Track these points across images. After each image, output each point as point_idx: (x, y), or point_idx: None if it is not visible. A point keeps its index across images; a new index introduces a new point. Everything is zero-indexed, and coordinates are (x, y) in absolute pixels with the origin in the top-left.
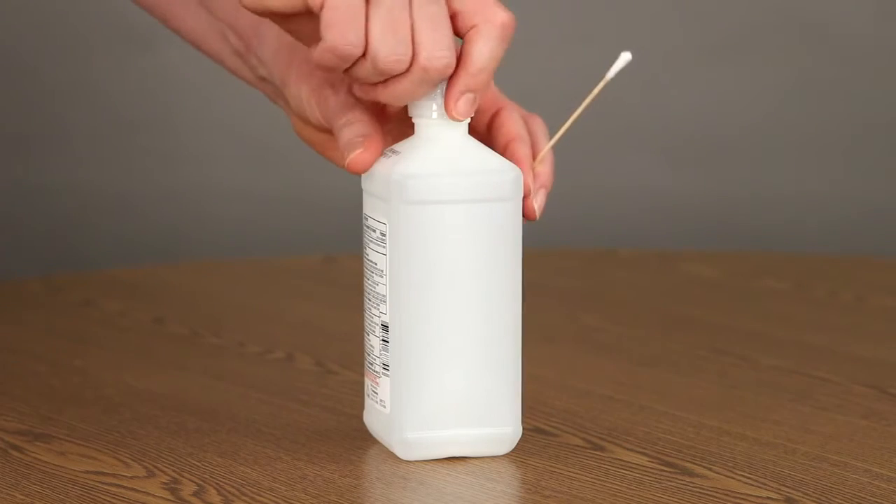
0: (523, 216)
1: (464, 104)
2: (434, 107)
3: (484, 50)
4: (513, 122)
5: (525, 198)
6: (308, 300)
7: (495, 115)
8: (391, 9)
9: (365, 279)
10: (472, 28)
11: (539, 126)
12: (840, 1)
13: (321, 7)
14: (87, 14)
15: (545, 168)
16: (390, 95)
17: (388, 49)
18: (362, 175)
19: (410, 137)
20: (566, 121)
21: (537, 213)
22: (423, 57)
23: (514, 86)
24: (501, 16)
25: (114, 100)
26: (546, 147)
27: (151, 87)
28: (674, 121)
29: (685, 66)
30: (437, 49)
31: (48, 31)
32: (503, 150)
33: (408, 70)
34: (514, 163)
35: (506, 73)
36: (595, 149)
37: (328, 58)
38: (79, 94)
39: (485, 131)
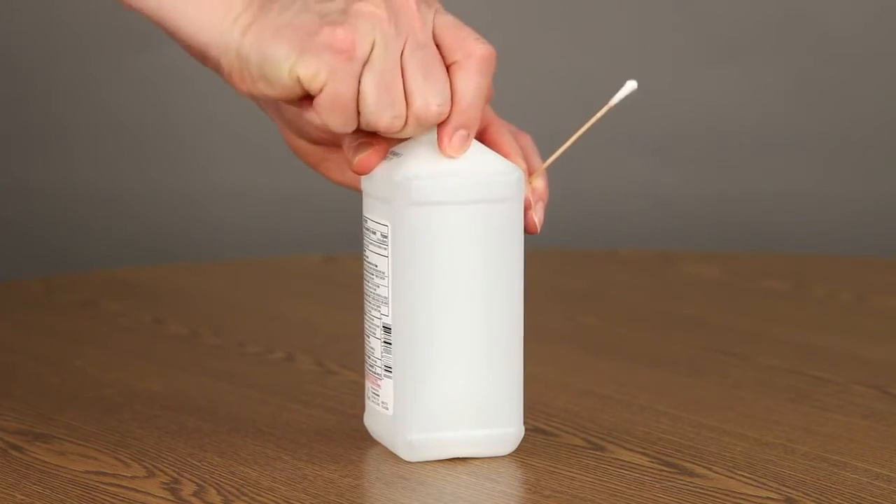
0: (525, 230)
1: (457, 140)
2: None
3: (469, 86)
4: (504, 138)
5: (525, 211)
6: (308, 300)
7: (484, 132)
8: (384, 71)
9: (365, 281)
10: (452, 64)
11: (529, 143)
12: (840, 1)
13: (319, 92)
14: (84, 14)
15: (541, 183)
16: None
17: (384, 113)
18: (363, 178)
19: (412, 139)
20: (567, 140)
21: (538, 227)
22: (417, 106)
23: (515, 86)
24: (481, 50)
25: (113, 100)
26: (544, 164)
27: (150, 87)
28: (674, 121)
29: (685, 67)
30: (430, 96)
31: (45, 32)
32: None
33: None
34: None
35: (507, 73)
36: (595, 149)
37: (324, 129)
38: (77, 94)
39: None
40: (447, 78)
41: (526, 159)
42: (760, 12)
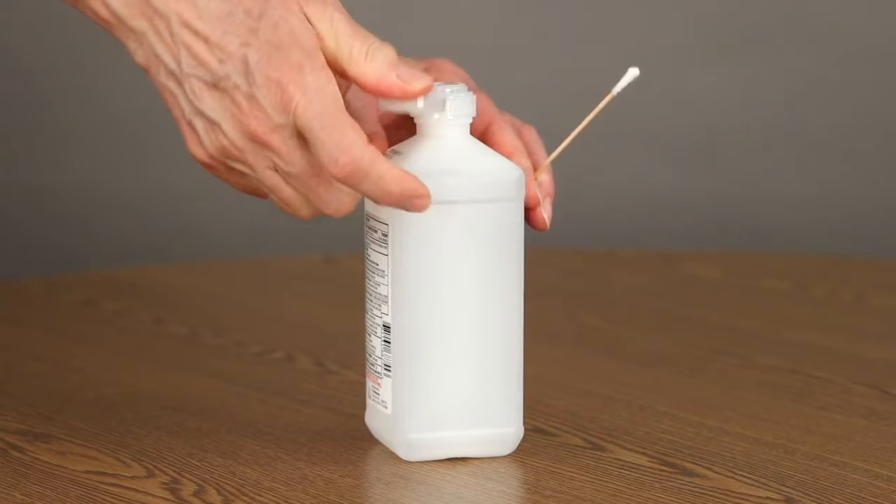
0: (534, 227)
1: (409, 86)
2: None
3: (363, 78)
4: (507, 135)
5: (532, 209)
6: (308, 300)
7: (486, 130)
8: (296, 178)
9: (366, 280)
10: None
11: (533, 136)
12: (841, 1)
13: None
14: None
15: (547, 177)
16: None
17: (330, 203)
18: None
19: (412, 138)
20: (570, 132)
21: (548, 223)
22: (339, 175)
23: (516, 85)
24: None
25: (112, 100)
26: (549, 157)
27: (150, 87)
28: (674, 120)
29: (686, 66)
30: (338, 156)
31: (44, 31)
32: None
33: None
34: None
35: (509, 72)
36: (595, 149)
37: None
38: (77, 94)
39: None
40: (349, 130)
41: (530, 154)
42: (760, 12)
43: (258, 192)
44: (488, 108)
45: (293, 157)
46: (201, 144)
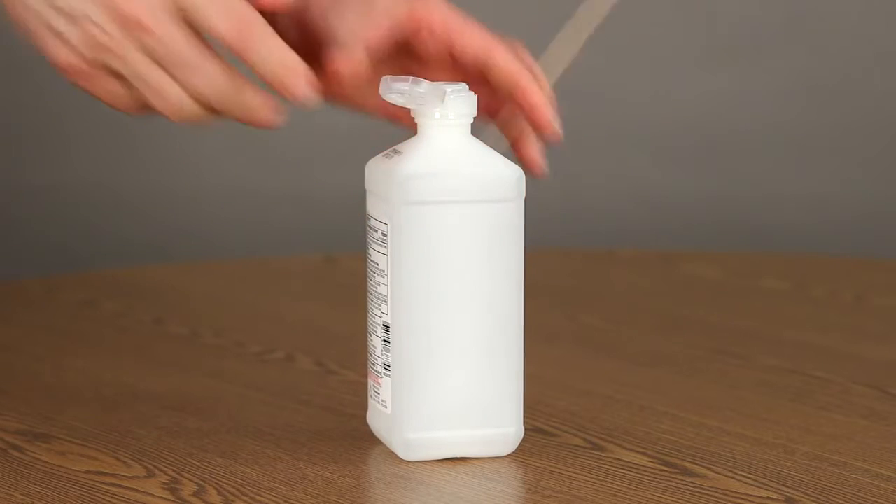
0: (532, 170)
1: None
2: (437, 107)
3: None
4: (512, 62)
5: (543, 121)
6: (308, 300)
7: (489, 56)
8: (172, 57)
9: (368, 279)
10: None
11: (525, 53)
12: (842, 2)
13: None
14: None
15: (547, 87)
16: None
17: (205, 75)
18: (366, 175)
19: (413, 137)
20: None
21: (559, 131)
22: (229, 36)
23: None
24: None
25: None
26: (556, 66)
27: None
28: (674, 121)
29: (686, 66)
30: (227, 19)
31: None
32: (513, 92)
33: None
34: (530, 98)
35: None
36: (595, 149)
37: None
38: (76, 93)
39: (479, 76)
40: (279, 50)
41: (529, 68)
42: (761, 13)
43: (132, 105)
44: (486, 38)
45: (169, 32)
46: (67, 45)
